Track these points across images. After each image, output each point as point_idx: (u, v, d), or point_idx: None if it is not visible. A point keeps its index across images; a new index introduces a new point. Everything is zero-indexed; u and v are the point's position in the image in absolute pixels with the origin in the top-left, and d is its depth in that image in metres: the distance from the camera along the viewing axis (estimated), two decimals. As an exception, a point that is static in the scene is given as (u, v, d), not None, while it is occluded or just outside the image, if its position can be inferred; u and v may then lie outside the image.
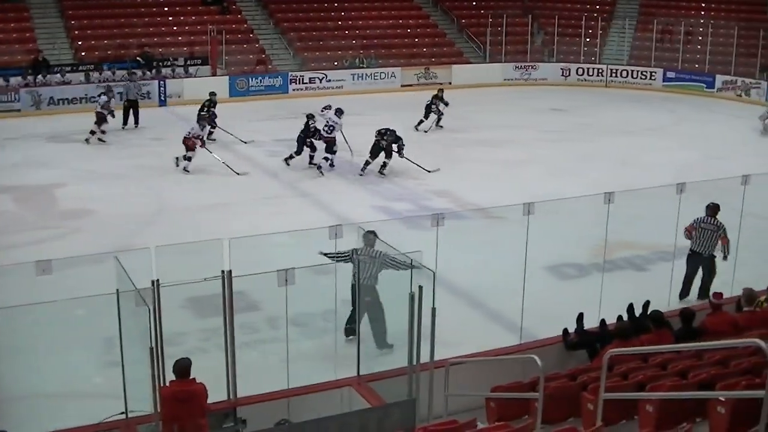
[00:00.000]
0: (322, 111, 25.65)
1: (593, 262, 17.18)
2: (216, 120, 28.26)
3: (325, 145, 24.92)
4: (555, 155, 27.43)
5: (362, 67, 39.47)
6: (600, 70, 42.20)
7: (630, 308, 12.75)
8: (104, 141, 28.19)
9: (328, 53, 40.09)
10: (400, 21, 43.20)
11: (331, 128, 24.80)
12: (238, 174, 24.34)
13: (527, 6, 44.72)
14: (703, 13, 44.20)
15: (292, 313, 11.29)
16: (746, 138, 31.12)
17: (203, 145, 24.75)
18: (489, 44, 42.11)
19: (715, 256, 16.06)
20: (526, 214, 13.59)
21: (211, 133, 27.77)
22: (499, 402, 11.01)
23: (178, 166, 24.64)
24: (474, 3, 45.34)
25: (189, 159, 24.45)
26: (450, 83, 39.30)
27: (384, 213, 20.74)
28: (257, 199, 22.20)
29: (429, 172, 24.10)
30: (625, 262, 18.09)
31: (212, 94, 29.30)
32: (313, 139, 24.98)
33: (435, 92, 31.25)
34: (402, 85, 39.24)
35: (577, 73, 42.18)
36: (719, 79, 40.05)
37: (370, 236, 13.08)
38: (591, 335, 12.54)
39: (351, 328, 13.43)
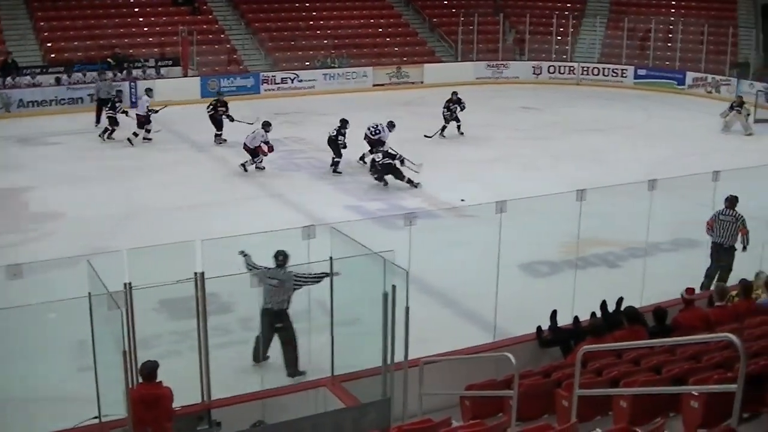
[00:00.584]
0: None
1: (566, 260, 17.25)
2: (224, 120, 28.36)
3: (369, 147, 25.12)
4: (527, 153, 27.51)
5: (334, 67, 39.41)
6: (571, 68, 42.38)
7: (603, 305, 12.79)
8: (151, 138, 28.41)
9: (300, 53, 40.02)
10: (372, 20, 43.19)
11: (377, 131, 25.02)
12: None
13: (498, 5, 44.84)
14: (673, 10, 44.51)
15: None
16: (716, 134, 31.31)
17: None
18: (461, 43, 42.18)
19: (735, 249, 16.30)
20: (499, 212, 13.63)
21: (219, 135, 28.12)
22: (473, 400, 11.03)
23: (246, 170, 24.66)
24: (445, 2, 45.42)
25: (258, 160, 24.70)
26: (422, 82, 39.43)
27: (357, 213, 20.76)
28: (229, 201, 22.14)
29: (416, 172, 23.90)
30: (598, 259, 18.16)
31: (219, 94, 29.73)
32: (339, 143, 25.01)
33: (449, 96, 30.30)
34: (374, 85, 39.24)
35: (548, 71, 42.33)
36: (690, 76, 40.40)
37: (280, 257, 12.82)
38: (564, 332, 12.58)
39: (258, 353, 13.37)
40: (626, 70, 41.90)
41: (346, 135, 24.89)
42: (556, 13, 43.41)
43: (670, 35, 42.75)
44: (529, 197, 15.86)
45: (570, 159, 26.81)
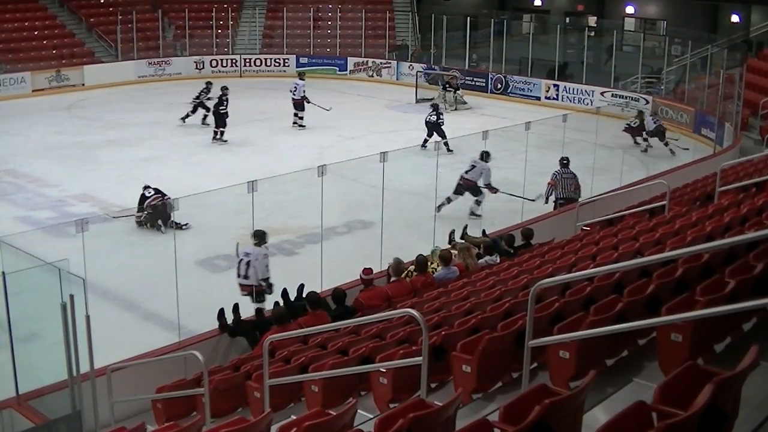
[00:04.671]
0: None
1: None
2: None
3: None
4: (190, 149, 27.30)
5: (-10, 74, 37.58)
6: (234, 61, 42.48)
7: (284, 293, 12.94)
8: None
9: (-49, 62, 37.90)
10: (26, 23, 41.30)
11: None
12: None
13: (156, 0, 44.13)
14: (330, -3, 45.56)
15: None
16: (378, 116, 32.37)
17: None
18: (120, 42, 41.17)
19: (575, 200, 18.52)
20: (171, 210, 13.52)
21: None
22: (165, 402, 10.92)
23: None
24: (102, 1, 44.15)
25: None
26: (83, 84, 38.27)
27: (26, 224, 19.90)
28: None
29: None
30: (275, 249, 18.25)
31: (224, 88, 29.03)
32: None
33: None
34: (33, 90, 37.58)
35: (211, 65, 42.18)
36: (351, 61, 41.70)
37: None
38: (249, 324, 12.64)
39: None
40: (288, 59, 42.53)
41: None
42: (215, 5, 43.32)
43: (330, 22, 43.76)
44: (201, 193, 15.75)
45: (235, 151, 26.90)
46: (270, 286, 14.54)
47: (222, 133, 28.29)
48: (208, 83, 30.97)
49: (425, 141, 26.67)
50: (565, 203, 18.90)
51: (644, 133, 27.55)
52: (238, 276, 14.73)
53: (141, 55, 41.27)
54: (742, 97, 27.65)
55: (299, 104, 30.69)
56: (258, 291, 14.67)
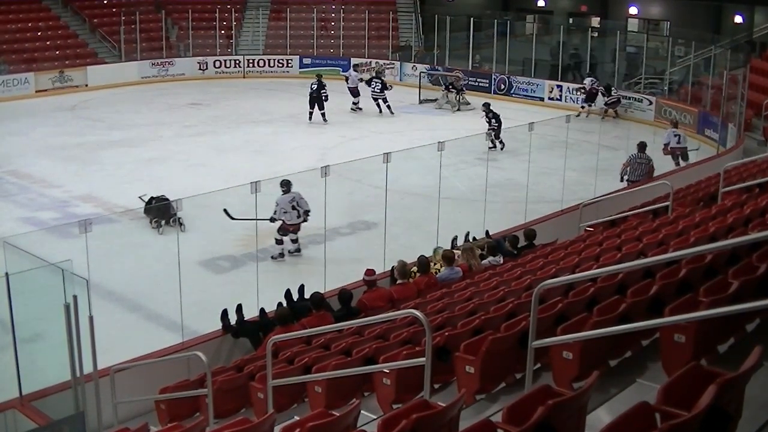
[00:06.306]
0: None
1: (246, 253, 17.32)
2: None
3: None
4: (194, 149, 27.28)
5: (-7, 75, 37.56)
6: (237, 62, 42.47)
7: (288, 294, 12.94)
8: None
9: (-46, 63, 37.87)
10: (29, 24, 41.27)
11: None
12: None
13: (159, 1, 44.14)
14: (334, -2, 45.57)
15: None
16: (381, 117, 32.36)
17: None
18: (123, 42, 41.14)
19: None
20: (174, 211, 13.49)
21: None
22: (169, 403, 10.92)
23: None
24: (105, 1, 44.10)
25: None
26: (86, 85, 38.24)
27: (29, 224, 19.90)
28: None
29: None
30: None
31: (319, 75, 32.35)
32: None
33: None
34: (37, 91, 37.55)
35: (214, 66, 42.18)
36: (354, 62, 41.44)
37: None
38: (252, 325, 12.63)
39: None
40: (291, 60, 42.56)
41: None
42: (219, 6, 43.31)
43: (333, 23, 43.80)
44: (205, 193, 15.76)
45: (238, 151, 26.88)
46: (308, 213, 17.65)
47: (323, 114, 31.12)
48: (378, 73, 35.16)
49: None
50: (632, 185, 19.78)
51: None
52: (298, 217, 17.55)
53: (144, 56, 41.22)
54: (745, 98, 27.62)
55: (354, 91, 33.83)
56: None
